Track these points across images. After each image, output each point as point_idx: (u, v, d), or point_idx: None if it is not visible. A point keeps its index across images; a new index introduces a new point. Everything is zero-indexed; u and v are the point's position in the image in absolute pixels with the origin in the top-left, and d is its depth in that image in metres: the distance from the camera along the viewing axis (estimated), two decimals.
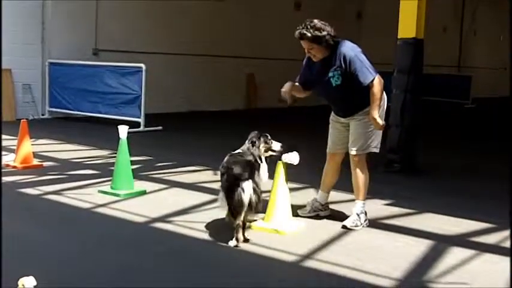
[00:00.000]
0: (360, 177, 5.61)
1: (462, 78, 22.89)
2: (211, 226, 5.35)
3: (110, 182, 6.56)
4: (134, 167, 7.09)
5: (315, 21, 5.61)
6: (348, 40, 5.60)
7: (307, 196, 6.64)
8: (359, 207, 5.54)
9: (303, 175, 7.39)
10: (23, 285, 2.70)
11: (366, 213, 5.55)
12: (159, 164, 8.29)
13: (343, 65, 5.36)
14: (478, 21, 27.87)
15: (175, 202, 6.17)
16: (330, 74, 5.42)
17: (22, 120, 7.91)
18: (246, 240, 4.89)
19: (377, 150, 5.66)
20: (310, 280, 4.22)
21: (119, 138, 6.50)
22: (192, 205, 6.09)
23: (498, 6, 25.96)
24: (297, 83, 5.74)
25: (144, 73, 11.63)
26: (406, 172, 8.15)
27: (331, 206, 6.11)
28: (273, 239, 5.01)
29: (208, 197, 6.45)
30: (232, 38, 16.86)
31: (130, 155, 6.59)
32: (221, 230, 5.22)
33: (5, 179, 7.00)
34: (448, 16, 26.01)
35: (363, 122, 5.49)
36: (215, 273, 4.28)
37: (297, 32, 5.60)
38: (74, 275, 4.13)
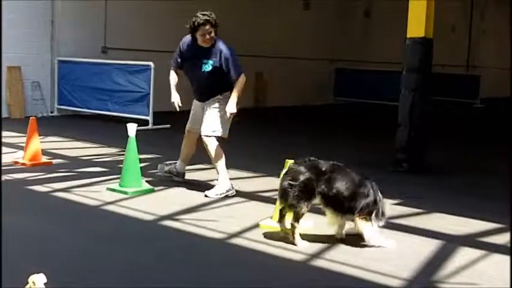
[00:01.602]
0: (212, 155, 6.53)
1: (471, 78, 22.81)
2: (219, 224, 5.35)
3: (118, 180, 6.57)
4: (142, 164, 7.11)
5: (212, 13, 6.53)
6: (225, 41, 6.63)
7: None
8: (222, 179, 6.45)
9: None
10: (33, 282, 2.70)
11: (231, 185, 6.46)
12: (168, 162, 8.28)
13: (218, 59, 6.37)
14: (487, 21, 27.74)
15: (183, 200, 6.18)
16: (204, 61, 6.41)
17: (31, 118, 7.94)
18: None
19: (225, 135, 6.56)
20: (318, 279, 4.21)
21: (127, 136, 6.52)
22: (201, 203, 6.10)
23: (507, 5, 25.82)
24: (174, 79, 6.84)
25: (152, 71, 11.65)
26: (415, 172, 8.13)
27: None
28: (281, 237, 5.00)
29: None
30: (241, 37, 16.82)
31: (139, 152, 6.61)
32: (230, 228, 5.23)
33: (13, 176, 7.03)
34: (457, 15, 25.90)
35: (213, 108, 6.46)
36: (223, 272, 4.27)
37: (204, 18, 6.41)
38: (82, 272, 4.14)
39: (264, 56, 17.40)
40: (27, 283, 2.74)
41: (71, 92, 12.88)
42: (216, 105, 6.47)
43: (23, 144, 7.96)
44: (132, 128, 6.43)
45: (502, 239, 5.25)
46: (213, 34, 6.40)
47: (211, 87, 6.50)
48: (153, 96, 11.69)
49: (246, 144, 10.55)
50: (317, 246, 4.81)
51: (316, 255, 4.63)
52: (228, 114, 6.37)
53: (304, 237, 5.05)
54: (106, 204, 5.93)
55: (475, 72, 24.57)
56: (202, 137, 6.54)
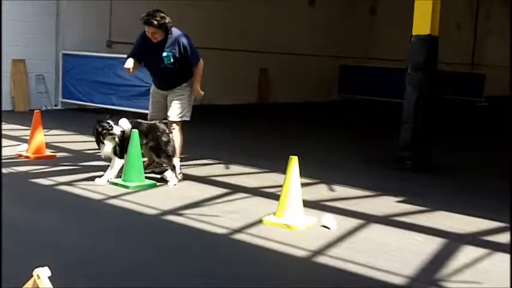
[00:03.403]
0: (176, 139, 6.84)
1: (475, 76, 22.76)
2: (223, 220, 5.34)
3: (121, 174, 6.58)
4: (145, 159, 7.10)
5: (157, 10, 6.79)
6: (180, 28, 6.88)
7: (319, 191, 6.65)
8: (175, 162, 6.73)
9: (314, 170, 7.39)
10: (37, 275, 2.70)
11: (180, 168, 6.86)
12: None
13: (177, 49, 6.67)
14: (493, 19, 27.67)
15: (186, 195, 6.18)
16: (164, 54, 6.67)
17: (35, 111, 7.94)
18: None
19: (188, 119, 6.99)
20: (321, 276, 4.21)
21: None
22: (203, 198, 6.10)
23: None
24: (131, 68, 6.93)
25: None
26: (418, 169, 8.11)
27: (343, 202, 6.11)
28: (285, 234, 5.00)
29: (219, 190, 6.45)
30: (246, 33, 16.83)
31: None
32: (233, 224, 5.22)
33: (17, 168, 7.04)
34: (462, 13, 25.83)
35: (179, 95, 6.85)
36: (226, 267, 4.27)
37: (145, 18, 6.68)
38: (85, 266, 4.14)
39: (269, 52, 17.40)
40: (32, 276, 2.73)
41: (75, 86, 12.88)
42: (182, 92, 6.88)
43: (27, 137, 7.97)
44: (125, 123, 6.54)
45: (506, 237, 5.23)
46: (157, 35, 6.69)
47: (176, 77, 6.85)
48: None
49: (250, 140, 10.56)
50: (320, 243, 4.80)
51: (320, 251, 4.62)
52: (192, 98, 6.96)
53: (307, 233, 5.06)
54: (109, 198, 5.93)
55: (480, 71, 24.50)
56: (170, 122, 6.87)
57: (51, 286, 2.70)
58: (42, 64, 12.88)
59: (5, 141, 8.16)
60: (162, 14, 6.71)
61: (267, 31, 17.38)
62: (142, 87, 11.87)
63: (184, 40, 6.75)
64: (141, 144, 6.49)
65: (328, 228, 5.20)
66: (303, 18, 18.68)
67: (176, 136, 6.88)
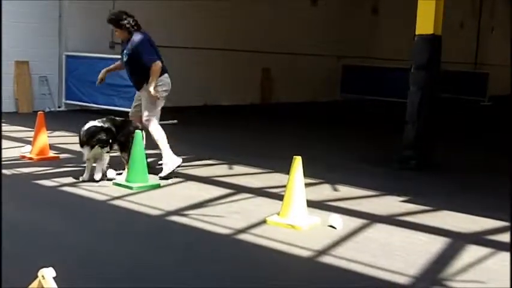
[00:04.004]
0: (155, 135, 7.15)
1: (479, 76, 22.72)
2: (227, 220, 5.35)
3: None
4: (149, 160, 7.11)
5: (123, 11, 7.36)
6: (145, 32, 7.29)
7: (323, 191, 6.65)
8: (166, 156, 7.07)
9: (318, 170, 7.39)
10: (42, 276, 2.71)
11: (172, 160, 7.05)
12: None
13: (130, 48, 7.11)
14: (496, 18, 27.62)
15: (189, 196, 6.18)
16: (125, 52, 7.22)
17: (39, 112, 7.96)
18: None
19: (155, 119, 7.25)
20: (325, 276, 4.21)
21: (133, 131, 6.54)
22: (207, 199, 6.10)
23: None
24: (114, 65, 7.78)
25: None
26: (422, 169, 8.10)
27: (347, 202, 6.12)
28: (289, 234, 5.00)
29: (223, 191, 6.46)
30: (248, 33, 16.84)
31: (146, 148, 6.62)
32: (237, 224, 5.23)
33: (21, 170, 7.06)
34: (466, 12, 25.81)
35: (145, 96, 7.19)
36: (230, 268, 4.28)
37: (108, 17, 7.33)
38: (88, 266, 4.15)
39: (271, 52, 17.40)
40: (37, 277, 2.74)
41: (79, 87, 12.89)
42: (145, 93, 7.21)
43: (31, 139, 7.98)
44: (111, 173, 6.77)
45: (510, 237, 5.22)
46: (117, 33, 7.31)
47: (134, 75, 7.32)
48: None
49: (253, 140, 10.56)
50: (324, 243, 4.80)
51: (324, 251, 4.62)
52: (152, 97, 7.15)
53: (311, 233, 5.06)
54: (113, 199, 5.94)
55: (484, 70, 24.47)
56: (144, 119, 7.24)
57: (56, 286, 2.71)
58: (45, 66, 12.90)
59: (8, 143, 8.17)
60: (123, 16, 7.21)
61: (269, 31, 17.38)
62: None
63: (136, 40, 7.12)
64: (116, 139, 6.80)
65: (335, 228, 5.20)
66: (305, 18, 18.67)
67: (152, 132, 7.19)
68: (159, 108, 7.34)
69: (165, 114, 11.64)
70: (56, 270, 2.76)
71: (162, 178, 6.90)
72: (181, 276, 4.07)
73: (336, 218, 5.30)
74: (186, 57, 15.19)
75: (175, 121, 11.88)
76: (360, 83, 19.56)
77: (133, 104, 7.58)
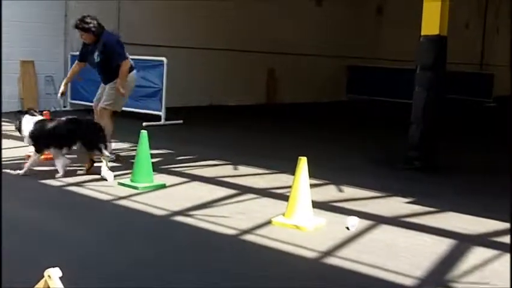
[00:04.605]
0: (105, 124, 7.58)
1: (484, 76, 22.68)
2: (232, 220, 5.34)
3: (130, 175, 6.59)
4: (154, 160, 7.12)
5: (86, 16, 7.82)
6: (109, 31, 8.00)
7: (328, 192, 6.64)
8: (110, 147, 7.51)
9: (324, 171, 7.38)
10: (48, 276, 2.71)
11: (112, 151, 7.63)
12: (180, 158, 8.32)
13: (103, 50, 7.71)
14: (502, 18, 27.53)
15: (195, 196, 6.18)
16: (96, 53, 7.76)
17: (45, 112, 7.98)
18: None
19: (118, 109, 8.13)
20: (330, 277, 4.20)
21: (139, 131, 6.54)
22: (212, 199, 6.10)
23: None
24: (72, 70, 8.39)
25: (165, 67, 11.67)
26: (427, 170, 8.09)
27: (352, 203, 6.12)
28: (294, 235, 5.00)
29: (228, 191, 6.45)
30: (254, 33, 16.84)
31: (151, 148, 6.62)
32: (242, 224, 5.22)
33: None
34: (471, 12, 25.75)
35: (110, 87, 7.87)
36: (235, 268, 4.27)
37: (75, 23, 7.88)
38: (93, 266, 4.15)
39: (276, 52, 17.40)
40: (43, 276, 2.74)
41: (84, 87, 12.88)
42: (113, 85, 7.85)
43: None
44: (110, 175, 6.73)
45: (510, 237, 5.20)
46: (84, 36, 7.81)
47: (106, 72, 7.91)
48: (166, 92, 11.70)
49: (258, 140, 10.55)
50: (329, 243, 4.80)
51: (329, 252, 4.62)
52: (119, 92, 7.77)
53: (316, 234, 5.05)
54: (118, 199, 5.95)
55: (489, 71, 24.41)
56: (99, 108, 7.93)
57: (62, 286, 2.71)
58: (50, 65, 12.92)
59: (14, 143, 8.18)
60: (88, 20, 7.75)
61: (275, 32, 17.38)
62: (151, 88, 11.92)
63: (108, 43, 7.77)
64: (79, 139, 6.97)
65: (348, 229, 5.19)
66: (310, 19, 18.67)
67: (104, 122, 7.71)
68: (121, 102, 8.05)
69: (171, 114, 11.76)
70: (61, 270, 2.77)
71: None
72: (186, 276, 4.06)
73: (353, 219, 5.29)
74: (192, 57, 15.22)
75: (180, 121, 11.91)
76: (365, 83, 19.55)
77: (97, 96, 8.14)
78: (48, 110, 9.20)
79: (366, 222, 5.44)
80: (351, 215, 5.63)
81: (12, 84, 12.24)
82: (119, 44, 7.88)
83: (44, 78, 12.86)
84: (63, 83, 8.29)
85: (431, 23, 8.18)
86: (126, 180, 6.55)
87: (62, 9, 12.98)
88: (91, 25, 7.71)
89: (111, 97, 7.89)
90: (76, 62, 8.31)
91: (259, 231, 5.07)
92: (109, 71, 7.86)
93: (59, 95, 8.35)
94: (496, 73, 22.34)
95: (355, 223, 5.25)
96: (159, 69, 11.78)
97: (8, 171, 6.82)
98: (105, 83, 8.03)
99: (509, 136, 10.97)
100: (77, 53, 12.74)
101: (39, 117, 7.15)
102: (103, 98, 7.97)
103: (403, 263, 4.45)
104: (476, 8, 26.49)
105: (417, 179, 7.73)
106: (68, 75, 8.46)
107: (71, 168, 7.07)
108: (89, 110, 8.33)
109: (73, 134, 6.88)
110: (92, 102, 12.61)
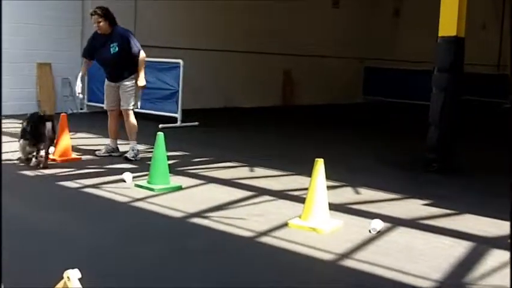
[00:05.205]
0: (131, 125, 7.99)
1: (501, 78, 22.50)
2: (248, 223, 5.33)
3: (146, 177, 6.60)
4: (171, 162, 7.11)
5: (104, 6, 7.94)
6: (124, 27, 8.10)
7: (345, 194, 6.61)
8: (133, 145, 7.99)
9: (340, 173, 7.35)
10: (68, 277, 2.72)
11: (138, 150, 8.01)
12: (196, 160, 8.33)
13: (121, 40, 7.77)
14: None
15: (211, 198, 6.18)
16: (111, 45, 7.77)
17: (62, 114, 8.03)
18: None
19: (138, 107, 8.13)
20: (348, 279, 4.18)
21: (155, 132, 6.56)
22: (229, 201, 6.09)
23: None
24: (84, 69, 8.31)
25: (181, 69, 11.69)
26: (445, 172, 8.03)
27: (369, 205, 6.09)
28: (311, 237, 4.98)
29: (245, 193, 6.45)
30: (270, 35, 16.83)
31: (167, 150, 6.63)
32: (259, 226, 5.21)
33: (44, 171, 7.10)
34: (487, 13, 25.55)
35: (129, 86, 7.87)
36: (251, 270, 4.27)
37: (91, 11, 7.93)
38: (110, 268, 4.16)
39: (293, 54, 17.39)
40: (62, 278, 2.75)
41: (101, 89, 12.90)
42: (130, 83, 7.88)
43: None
44: (128, 177, 6.74)
45: (509, 237, 5.15)
46: (102, 23, 7.77)
47: (120, 67, 7.85)
48: (182, 94, 11.73)
49: (274, 142, 10.54)
50: (346, 246, 4.77)
51: (346, 255, 4.59)
52: (138, 89, 7.93)
53: (333, 236, 5.03)
54: (135, 201, 5.96)
55: (506, 72, 24.20)
56: (123, 110, 7.98)
57: (81, 287, 2.72)
58: (67, 68, 12.98)
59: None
60: (105, 8, 7.88)
61: (291, 33, 17.37)
62: (167, 90, 11.95)
63: (124, 33, 7.87)
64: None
65: (370, 232, 5.16)
66: (327, 20, 18.64)
67: (132, 122, 8.00)
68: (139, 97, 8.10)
69: (186, 116, 11.78)
70: (79, 272, 2.78)
71: (128, 159, 7.85)
72: (203, 278, 4.06)
73: (377, 223, 5.26)
74: (207, 59, 15.24)
75: (196, 123, 11.93)
76: (382, 85, 19.48)
77: (108, 98, 8.14)
78: (65, 113, 9.25)
79: (383, 225, 5.41)
80: (367, 217, 5.61)
81: (29, 86, 12.32)
82: (133, 36, 7.98)
83: (61, 81, 12.94)
84: (79, 79, 8.23)
85: (448, 24, 8.13)
86: (143, 182, 6.56)
87: (79, 11, 13.04)
88: (110, 15, 7.82)
89: (133, 97, 7.93)
90: (84, 59, 8.35)
91: (275, 234, 5.06)
92: (123, 65, 7.82)
93: (78, 92, 8.38)
94: None
95: (377, 227, 5.21)
96: (176, 71, 11.81)
97: None
98: (115, 81, 7.97)
99: (509, 136, 10.85)
100: None
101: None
102: (123, 99, 7.94)
103: (422, 265, 4.42)
104: (493, 9, 26.28)
105: (435, 181, 7.68)
106: (82, 71, 8.32)
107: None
108: (105, 112, 8.38)
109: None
110: None
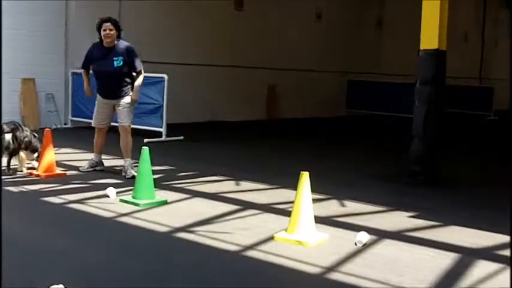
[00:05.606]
0: (128, 142, 7.93)
1: (484, 90, 22.72)
2: (234, 236, 5.32)
3: (131, 192, 6.58)
4: (156, 176, 7.10)
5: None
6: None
7: (331, 207, 6.62)
8: (129, 162, 7.86)
9: (325, 186, 7.37)
10: None
11: (132, 166, 7.79)
12: (181, 174, 8.30)
13: (125, 54, 7.70)
14: (500, 29, 27.51)
15: (197, 212, 6.16)
16: (115, 58, 7.67)
17: (46, 129, 7.99)
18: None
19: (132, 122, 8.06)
20: None
21: (140, 147, 6.54)
22: (214, 215, 6.08)
23: None
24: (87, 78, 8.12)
25: (166, 83, 11.69)
26: (430, 184, 8.07)
27: (355, 217, 6.10)
28: (297, 250, 4.98)
29: (230, 207, 6.44)
30: (255, 49, 16.89)
31: (152, 164, 6.61)
32: (245, 240, 5.20)
33: (28, 187, 7.06)
34: (469, 24, 25.80)
35: (127, 103, 7.84)
36: (238, 285, 4.25)
37: (106, 17, 7.84)
38: (96, 284, 4.13)
39: (277, 68, 17.45)
40: None
41: (85, 104, 12.89)
42: (128, 99, 7.84)
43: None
44: (112, 192, 6.70)
45: (510, 242, 5.18)
46: (113, 32, 7.68)
47: (122, 82, 7.77)
48: (167, 108, 11.72)
49: (259, 156, 10.55)
50: (333, 259, 4.78)
51: (332, 267, 4.59)
52: (134, 103, 7.91)
53: (319, 249, 5.03)
54: (120, 216, 5.93)
55: (488, 84, 24.45)
56: (122, 127, 7.90)
57: None
58: (51, 83, 12.97)
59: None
60: (116, 20, 7.91)
61: (275, 47, 17.44)
62: (152, 105, 11.93)
63: (130, 47, 7.81)
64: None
65: (356, 244, 5.16)
66: (310, 33, 18.74)
67: (130, 139, 7.95)
68: None
69: (171, 131, 11.76)
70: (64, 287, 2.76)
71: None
72: None
73: (362, 235, 5.26)
74: (193, 73, 15.26)
75: (181, 137, 11.91)
76: (365, 98, 19.58)
77: (101, 115, 8.04)
78: (50, 128, 9.20)
79: (369, 237, 5.41)
80: (353, 229, 5.62)
81: (13, 102, 12.25)
82: (136, 53, 7.89)
83: (45, 96, 12.90)
84: (86, 85, 8.12)
85: (430, 37, 8.20)
86: (128, 197, 6.53)
87: (62, 27, 13.05)
88: (120, 27, 7.79)
89: (130, 113, 7.90)
90: (82, 70, 8.15)
91: (261, 247, 5.05)
92: (124, 80, 7.75)
93: (90, 93, 8.19)
94: (495, 86, 22.35)
95: (362, 239, 5.21)
96: (160, 86, 11.80)
97: None
98: (114, 97, 7.85)
99: (509, 146, 10.96)
100: (78, 70, 12.92)
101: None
102: (122, 116, 7.85)
103: (408, 277, 4.43)
104: (474, 21, 26.53)
105: (420, 193, 7.71)
106: (86, 83, 8.14)
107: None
108: (90, 128, 8.35)
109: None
110: (91, 119, 12.77)
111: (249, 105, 16.94)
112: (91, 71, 8.10)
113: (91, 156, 8.34)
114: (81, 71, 8.19)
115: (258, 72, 17.06)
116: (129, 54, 7.74)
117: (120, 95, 7.83)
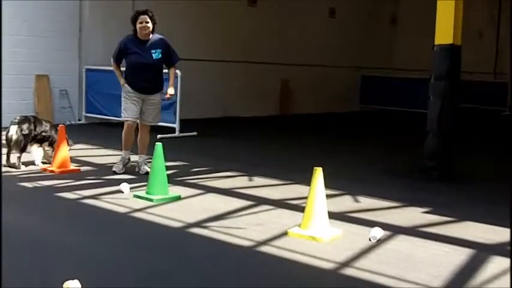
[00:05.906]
0: (147, 139, 7.85)
1: (499, 85, 22.54)
2: (248, 232, 5.32)
3: (145, 187, 6.59)
4: (169, 172, 7.12)
5: None
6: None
7: (344, 202, 6.60)
8: (143, 158, 7.83)
9: (339, 182, 7.35)
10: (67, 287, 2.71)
11: (146, 162, 7.74)
12: (194, 170, 8.31)
13: (163, 46, 7.61)
14: None
15: (210, 208, 6.17)
16: (153, 51, 7.53)
17: (60, 125, 8.02)
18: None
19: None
20: None
21: (154, 143, 6.55)
22: (228, 211, 6.08)
23: None
24: (118, 70, 7.83)
25: (179, 79, 11.69)
26: (444, 179, 8.03)
27: (369, 213, 6.09)
28: (311, 246, 4.97)
29: (244, 202, 6.44)
30: (267, 45, 16.87)
31: (166, 160, 6.63)
32: (258, 236, 5.20)
33: (42, 183, 7.10)
34: (484, 21, 25.63)
35: (157, 101, 7.72)
36: (251, 280, 4.25)
37: (143, 9, 7.69)
38: (110, 279, 4.14)
39: (290, 64, 17.42)
40: None
41: (98, 100, 12.97)
42: (158, 99, 7.73)
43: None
44: (125, 188, 6.71)
45: (509, 238, 5.14)
46: (149, 25, 7.50)
47: (159, 75, 7.70)
48: (180, 104, 11.73)
49: (272, 151, 10.54)
50: (346, 254, 4.76)
51: (346, 263, 4.58)
52: (167, 96, 7.75)
53: (333, 245, 5.02)
54: (134, 212, 5.95)
55: (503, 79, 24.26)
56: (146, 125, 7.80)
57: None
58: (65, 79, 13.01)
59: (30, 156, 8.19)
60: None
61: (288, 43, 17.41)
62: (164, 101, 11.90)
63: (166, 40, 7.72)
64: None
65: (370, 240, 5.15)
66: (323, 30, 18.69)
67: (148, 136, 7.90)
68: None
69: (184, 127, 11.77)
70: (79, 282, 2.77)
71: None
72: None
73: (377, 231, 5.25)
74: (206, 69, 15.26)
75: (194, 133, 11.92)
76: (379, 93, 19.52)
77: (136, 109, 7.61)
78: (63, 124, 9.24)
79: (383, 233, 5.40)
80: (367, 225, 5.60)
81: (27, 98, 12.32)
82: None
83: (59, 92, 12.94)
84: (120, 77, 7.73)
85: (444, 32, 8.14)
86: (142, 192, 6.55)
87: (77, 23, 13.07)
88: (156, 21, 7.63)
89: (159, 113, 7.84)
90: (114, 63, 7.78)
91: (275, 243, 5.05)
92: (159, 74, 7.66)
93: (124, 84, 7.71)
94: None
95: (376, 235, 5.19)
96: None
97: None
98: (150, 92, 7.60)
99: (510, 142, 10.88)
100: (92, 66, 13.03)
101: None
102: (152, 115, 7.71)
103: (422, 273, 4.41)
104: (489, 17, 26.35)
105: (434, 188, 7.67)
106: (119, 76, 7.76)
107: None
108: (104, 124, 8.36)
109: None
110: (106, 115, 12.85)
111: (262, 101, 16.92)
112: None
113: (105, 151, 8.34)
114: (112, 63, 7.82)
115: (271, 68, 17.03)
116: (167, 47, 7.66)
117: (155, 90, 7.65)
